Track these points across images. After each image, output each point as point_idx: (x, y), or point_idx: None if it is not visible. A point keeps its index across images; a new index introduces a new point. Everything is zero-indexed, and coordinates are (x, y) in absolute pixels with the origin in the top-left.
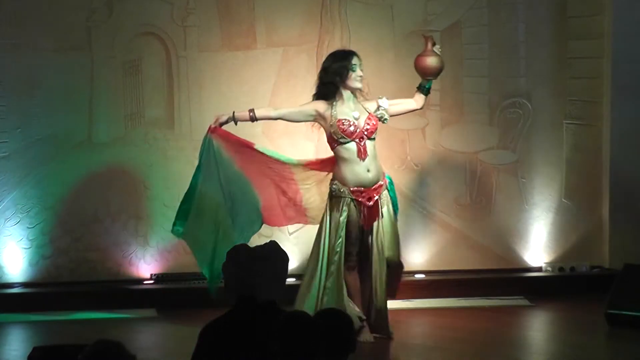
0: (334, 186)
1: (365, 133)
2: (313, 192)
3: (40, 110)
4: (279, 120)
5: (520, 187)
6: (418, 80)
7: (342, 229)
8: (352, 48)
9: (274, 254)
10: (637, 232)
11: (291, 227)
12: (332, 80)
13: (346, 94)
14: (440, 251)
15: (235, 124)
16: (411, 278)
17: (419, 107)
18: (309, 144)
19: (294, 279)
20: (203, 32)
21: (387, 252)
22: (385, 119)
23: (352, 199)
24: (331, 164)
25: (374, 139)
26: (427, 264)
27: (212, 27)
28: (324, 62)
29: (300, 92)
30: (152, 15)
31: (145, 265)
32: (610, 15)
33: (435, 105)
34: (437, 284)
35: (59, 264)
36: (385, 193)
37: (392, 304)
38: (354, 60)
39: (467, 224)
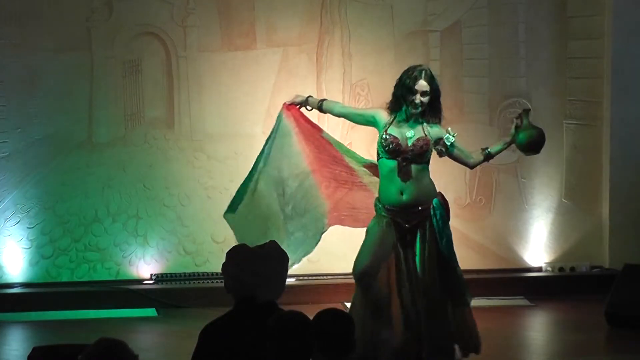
0: (375, 200)
1: (409, 154)
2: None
3: (40, 110)
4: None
5: (520, 187)
6: None
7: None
8: (352, 48)
9: (275, 253)
10: (637, 232)
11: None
12: (398, 95)
13: (409, 111)
14: None
15: (307, 108)
16: None
17: (469, 167)
18: None
19: (294, 279)
20: (203, 32)
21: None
22: (443, 151)
23: (387, 217)
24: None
25: (422, 163)
26: None
27: (212, 27)
28: (403, 73)
29: (300, 92)
30: (152, 16)
31: (145, 265)
32: (610, 15)
33: None
34: None
35: (59, 264)
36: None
37: None
38: (418, 86)
39: (467, 224)
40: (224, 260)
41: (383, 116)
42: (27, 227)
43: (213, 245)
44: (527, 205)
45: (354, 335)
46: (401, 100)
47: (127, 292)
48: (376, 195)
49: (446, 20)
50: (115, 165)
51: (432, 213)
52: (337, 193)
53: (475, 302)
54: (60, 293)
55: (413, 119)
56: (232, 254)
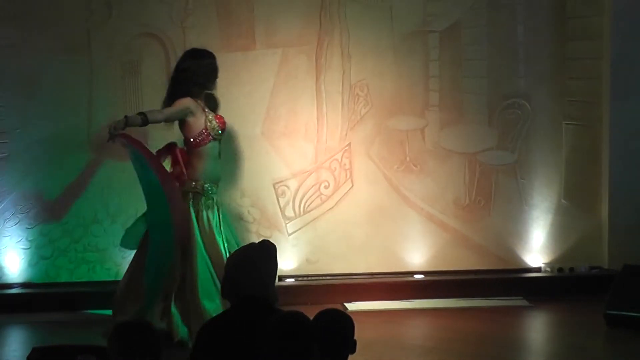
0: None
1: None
2: None
3: (40, 111)
4: (280, 122)
5: (520, 188)
6: (417, 81)
7: None
8: (352, 49)
9: (272, 252)
10: (636, 232)
11: (290, 228)
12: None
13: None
14: (439, 252)
15: (124, 128)
16: (410, 278)
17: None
18: (308, 145)
19: (292, 280)
20: (202, 33)
21: None
22: None
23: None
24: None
25: None
26: (426, 264)
27: (211, 28)
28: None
29: (299, 93)
30: (151, 16)
31: None
32: (609, 16)
33: (435, 106)
34: (436, 284)
35: (58, 265)
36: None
37: (391, 304)
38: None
39: (466, 224)
40: None
41: (194, 103)
42: (27, 228)
43: None
44: (526, 205)
45: (353, 335)
46: (206, 83)
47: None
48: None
49: (445, 21)
50: (114, 166)
51: None
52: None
53: (474, 303)
54: (60, 293)
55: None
56: (231, 258)
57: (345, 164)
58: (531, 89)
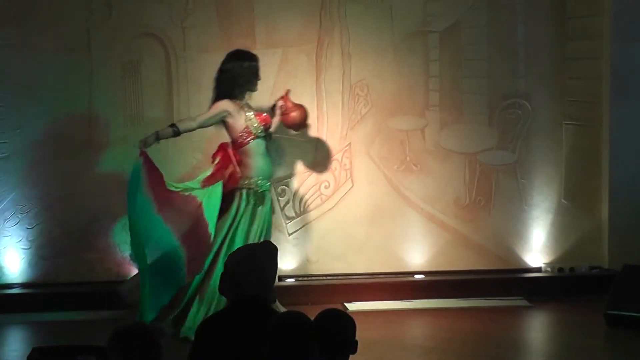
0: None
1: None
2: (209, 205)
3: (40, 111)
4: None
5: (520, 188)
6: (417, 81)
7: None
8: (352, 49)
9: (274, 253)
10: (636, 232)
11: (290, 228)
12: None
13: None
14: (440, 252)
15: (158, 141)
16: (410, 278)
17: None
18: (308, 145)
19: (293, 280)
20: (202, 32)
21: None
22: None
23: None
24: (227, 167)
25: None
26: (427, 264)
27: (212, 28)
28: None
29: (299, 93)
30: (152, 16)
31: None
32: (609, 16)
33: (435, 106)
34: (436, 284)
35: (58, 265)
36: None
37: (392, 305)
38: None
39: (466, 224)
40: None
41: (231, 104)
42: (27, 228)
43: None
44: (526, 205)
45: (354, 335)
46: (246, 85)
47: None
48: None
49: (445, 21)
50: (114, 166)
51: None
52: (190, 236)
53: (474, 303)
54: (60, 293)
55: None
56: (233, 253)
57: (345, 164)
58: (531, 89)
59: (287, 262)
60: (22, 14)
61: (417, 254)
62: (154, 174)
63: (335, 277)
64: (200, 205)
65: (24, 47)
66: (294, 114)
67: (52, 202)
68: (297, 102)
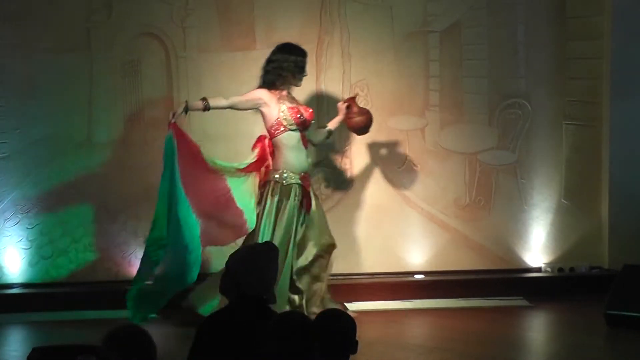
0: (284, 174)
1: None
2: (242, 192)
3: (40, 111)
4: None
5: (520, 188)
6: (417, 81)
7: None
8: (352, 49)
9: (275, 254)
10: (636, 232)
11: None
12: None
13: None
14: (440, 252)
15: (186, 113)
16: (411, 278)
17: (313, 143)
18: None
19: None
20: (202, 32)
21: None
22: None
23: (299, 185)
24: (260, 161)
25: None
26: (427, 264)
27: (212, 28)
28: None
29: (299, 92)
30: (152, 16)
31: None
32: (609, 16)
33: (435, 106)
34: (436, 284)
35: (58, 265)
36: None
37: (392, 304)
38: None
39: (466, 224)
40: (223, 260)
41: (269, 94)
42: (27, 228)
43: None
44: (526, 205)
45: (354, 335)
46: (289, 77)
47: (127, 293)
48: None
49: (445, 21)
50: (114, 166)
51: None
52: (208, 211)
53: (474, 303)
54: (60, 293)
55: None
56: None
57: (345, 164)
58: (531, 89)
59: None
60: (22, 13)
61: (417, 254)
62: (186, 145)
63: (335, 277)
64: (228, 189)
65: (24, 46)
66: (358, 119)
67: (52, 202)
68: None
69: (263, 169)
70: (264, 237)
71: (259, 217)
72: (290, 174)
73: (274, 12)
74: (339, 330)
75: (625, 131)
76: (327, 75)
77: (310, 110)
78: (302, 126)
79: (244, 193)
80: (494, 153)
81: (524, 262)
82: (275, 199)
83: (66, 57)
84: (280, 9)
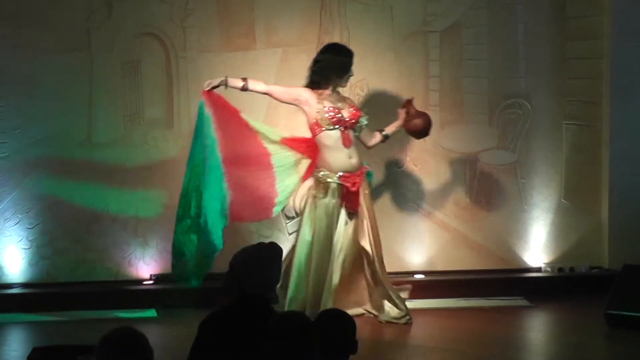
0: (322, 173)
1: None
2: (285, 176)
3: (40, 111)
4: (280, 122)
5: (520, 188)
6: (417, 81)
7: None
8: (352, 48)
9: (279, 255)
10: (636, 232)
11: (290, 228)
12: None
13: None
14: (440, 252)
15: (226, 87)
16: (411, 278)
17: (367, 146)
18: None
19: None
20: (202, 32)
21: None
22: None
23: (338, 184)
24: (310, 148)
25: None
26: (427, 264)
27: (212, 28)
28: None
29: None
30: (152, 16)
31: (145, 266)
32: (609, 15)
33: (435, 106)
34: (436, 284)
35: (58, 265)
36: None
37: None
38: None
39: (466, 224)
40: (223, 260)
41: (310, 93)
42: (27, 228)
43: None
44: (526, 205)
45: (354, 335)
46: (333, 77)
47: (127, 293)
48: (281, 182)
49: (445, 21)
50: (115, 165)
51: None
52: (244, 176)
53: (474, 303)
54: (60, 293)
55: (337, 94)
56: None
57: None
58: (531, 89)
59: None
60: (22, 13)
61: (417, 254)
62: (224, 111)
63: None
64: (268, 154)
65: (24, 46)
66: (417, 121)
67: (52, 202)
68: None
69: (307, 161)
70: (304, 234)
71: (302, 212)
72: (328, 173)
73: (274, 12)
74: (339, 330)
75: (625, 131)
76: None
77: (355, 110)
78: (341, 125)
79: (285, 170)
80: (494, 153)
81: (524, 262)
82: (311, 194)
83: (66, 57)
84: (280, 9)
